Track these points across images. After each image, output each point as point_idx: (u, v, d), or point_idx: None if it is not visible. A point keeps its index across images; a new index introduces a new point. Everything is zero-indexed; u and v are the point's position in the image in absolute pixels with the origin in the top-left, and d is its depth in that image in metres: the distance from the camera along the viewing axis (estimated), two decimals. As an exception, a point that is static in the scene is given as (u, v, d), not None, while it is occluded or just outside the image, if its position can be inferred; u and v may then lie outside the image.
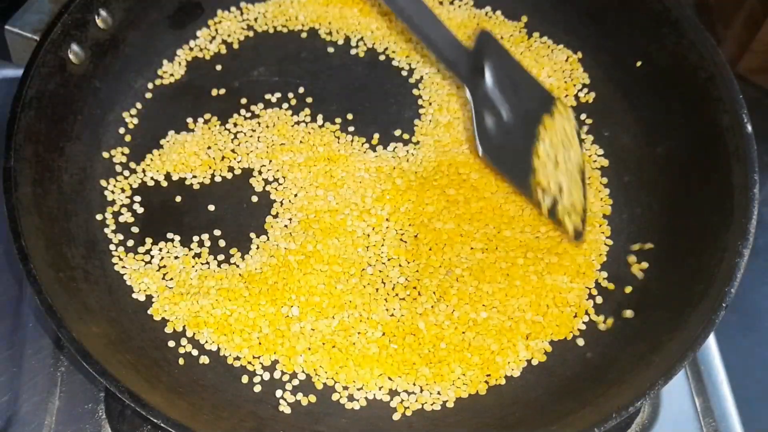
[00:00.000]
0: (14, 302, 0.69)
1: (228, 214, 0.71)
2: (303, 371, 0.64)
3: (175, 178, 0.72)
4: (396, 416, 0.62)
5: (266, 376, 0.64)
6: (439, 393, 0.63)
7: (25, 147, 0.63)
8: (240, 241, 0.69)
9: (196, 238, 0.69)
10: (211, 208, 0.71)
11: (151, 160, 0.73)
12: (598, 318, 0.66)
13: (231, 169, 0.73)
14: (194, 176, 0.72)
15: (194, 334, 0.65)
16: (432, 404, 0.63)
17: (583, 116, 0.76)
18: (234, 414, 0.61)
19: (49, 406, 0.64)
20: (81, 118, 0.70)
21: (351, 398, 0.63)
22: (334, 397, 0.63)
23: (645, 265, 0.68)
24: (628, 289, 0.67)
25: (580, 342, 0.65)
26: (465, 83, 0.70)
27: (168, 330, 0.65)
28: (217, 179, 0.72)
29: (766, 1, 0.86)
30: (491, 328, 0.65)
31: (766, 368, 0.75)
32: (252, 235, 0.70)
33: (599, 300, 0.67)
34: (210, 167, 0.73)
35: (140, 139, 0.74)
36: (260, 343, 0.64)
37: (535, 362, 0.64)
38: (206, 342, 0.64)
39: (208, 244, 0.69)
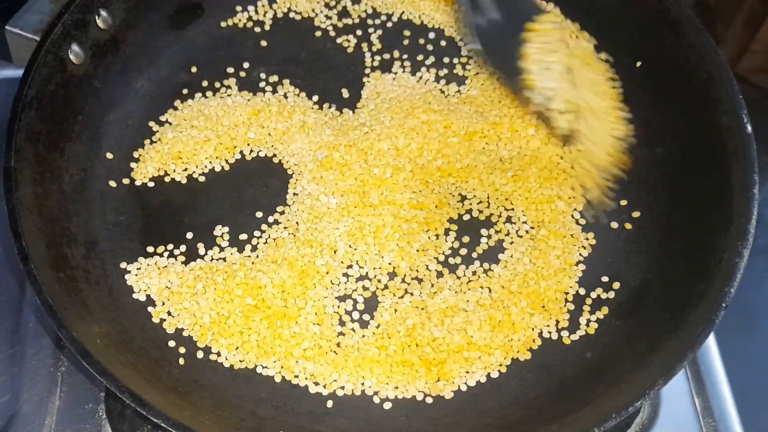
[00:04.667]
0: (14, 302, 0.69)
1: (228, 215, 0.71)
2: (302, 372, 0.64)
3: (175, 177, 0.72)
4: (396, 416, 0.62)
5: (266, 375, 0.64)
6: (439, 393, 0.63)
7: (26, 147, 0.63)
8: (239, 241, 0.69)
9: (196, 238, 0.69)
10: (211, 208, 0.71)
11: (151, 158, 0.73)
12: (598, 317, 0.66)
13: (231, 168, 0.73)
14: (193, 175, 0.72)
15: (194, 334, 0.65)
16: (431, 404, 0.63)
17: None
18: (234, 414, 0.61)
19: (49, 406, 0.64)
20: (81, 118, 0.70)
21: (351, 398, 0.63)
22: (334, 397, 0.63)
23: (644, 265, 0.68)
24: (628, 289, 0.67)
25: (580, 342, 0.65)
26: None
27: (168, 330, 0.65)
28: (217, 179, 0.72)
29: (766, 1, 0.86)
30: (491, 326, 0.65)
31: (766, 368, 0.75)
32: (253, 234, 0.70)
33: (599, 300, 0.67)
34: (212, 160, 0.73)
35: (139, 139, 0.74)
36: (258, 346, 0.64)
37: (534, 362, 0.64)
38: (206, 342, 0.64)
39: (208, 244, 0.69)
